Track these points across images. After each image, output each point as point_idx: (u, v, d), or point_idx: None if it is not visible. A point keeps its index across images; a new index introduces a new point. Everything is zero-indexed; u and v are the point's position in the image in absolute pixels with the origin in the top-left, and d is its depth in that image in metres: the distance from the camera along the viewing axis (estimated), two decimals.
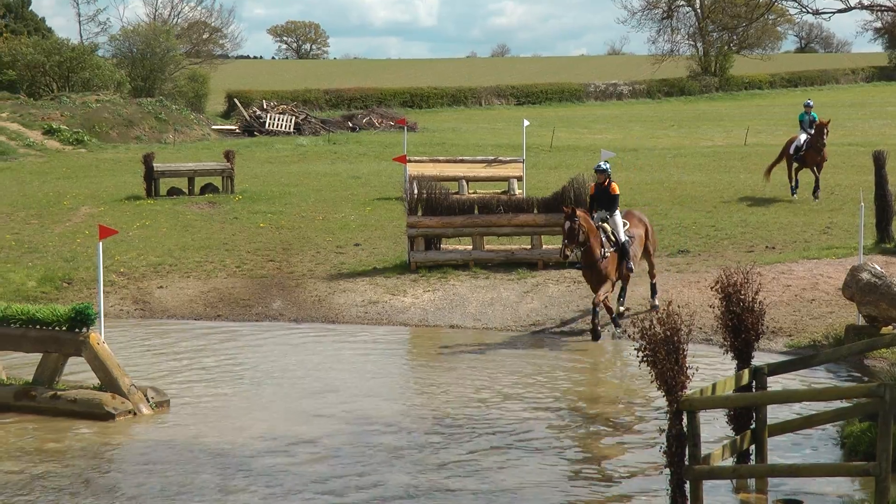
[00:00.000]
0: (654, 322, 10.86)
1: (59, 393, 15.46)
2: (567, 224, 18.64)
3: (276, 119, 61.31)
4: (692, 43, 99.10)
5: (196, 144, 52.93)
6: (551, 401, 15.73)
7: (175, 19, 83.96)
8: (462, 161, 32.67)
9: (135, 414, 15.16)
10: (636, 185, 32.96)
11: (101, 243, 16.45)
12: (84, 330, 15.53)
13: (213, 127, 61.24)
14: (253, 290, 22.93)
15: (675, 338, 10.80)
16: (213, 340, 20.13)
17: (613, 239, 19.38)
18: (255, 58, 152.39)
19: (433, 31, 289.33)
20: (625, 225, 19.77)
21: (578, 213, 18.83)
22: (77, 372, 16.42)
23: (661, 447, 11.06)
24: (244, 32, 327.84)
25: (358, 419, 14.89)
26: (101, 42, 78.49)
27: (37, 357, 16.11)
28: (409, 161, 29.01)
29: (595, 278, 19.15)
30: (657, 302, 20.06)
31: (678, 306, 12.01)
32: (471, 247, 23.51)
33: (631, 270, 19.64)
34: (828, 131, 29.52)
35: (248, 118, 61.87)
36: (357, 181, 35.74)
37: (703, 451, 11.08)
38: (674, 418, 10.85)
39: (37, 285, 23.17)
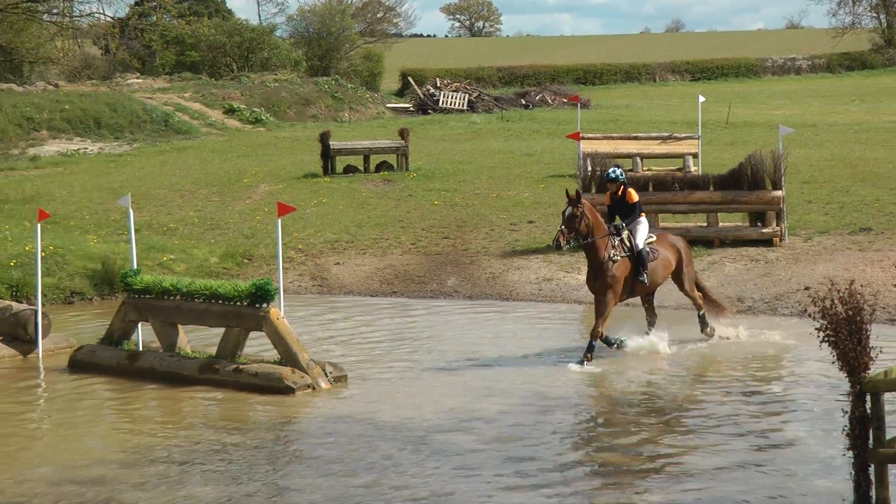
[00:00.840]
0: (836, 301, 10.61)
1: (241, 367, 15.83)
2: (568, 209, 16.44)
3: (450, 97, 61.67)
4: (875, 15, 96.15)
5: (371, 123, 53.59)
6: (727, 381, 15.49)
7: None
8: (636, 138, 32.39)
9: (314, 388, 15.43)
10: (815, 162, 32.20)
11: (279, 220, 16.79)
12: (264, 305, 15.87)
13: (388, 105, 61.93)
14: (428, 267, 23.13)
15: (858, 317, 10.53)
16: (389, 316, 20.37)
17: (629, 245, 16.92)
18: (428, 36, 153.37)
19: (606, 6, 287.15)
20: (650, 239, 17.30)
21: (584, 201, 16.66)
22: (256, 346, 16.82)
23: (843, 429, 10.80)
24: (417, 11, 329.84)
25: (533, 397, 14.88)
26: (278, 22, 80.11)
27: (219, 332, 16.55)
28: (583, 138, 28.85)
29: (599, 285, 16.67)
30: (710, 330, 17.66)
31: (860, 285, 11.68)
32: None
33: (644, 285, 17.01)
34: None
35: (421, 96, 62.38)
36: (530, 158, 35.70)
37: (889, 434, 10.79)
38: (857, 400, 10.58)
39: (219, 261, 23.78)
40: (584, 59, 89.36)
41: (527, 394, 15.04)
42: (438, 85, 63.72)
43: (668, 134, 33.12)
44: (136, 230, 18.66)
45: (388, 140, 35.91)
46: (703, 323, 17.77)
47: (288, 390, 15.26)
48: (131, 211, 18.14)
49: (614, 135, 33.99)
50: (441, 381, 15.83)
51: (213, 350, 16.53)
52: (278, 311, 15.94)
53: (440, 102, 61.13)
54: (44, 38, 59.25)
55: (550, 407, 14.41)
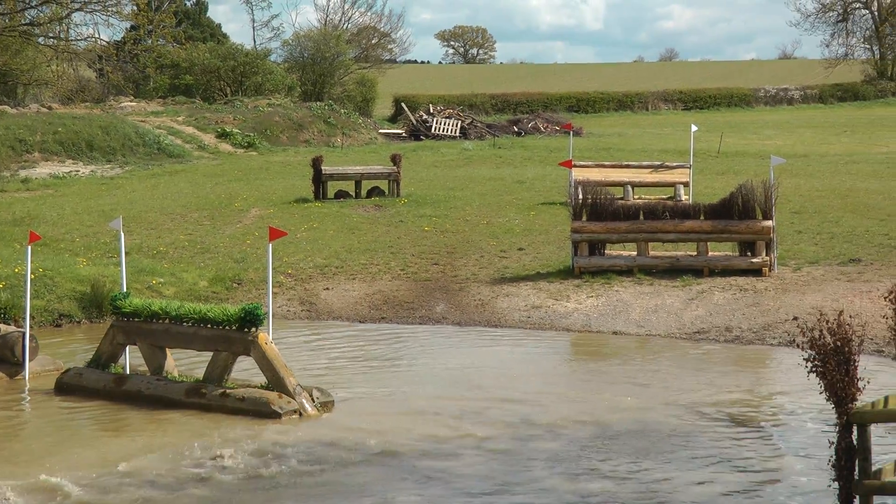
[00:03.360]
0: (824, 331, 10.63)
1: (228, 391, 15.79)
2: None
3: (443, 123, 61.77)
4: (868, 46, 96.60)
5: (363, 148, 53.65)
6: (714, 410, 15.48)
7: (345, 24, 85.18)
8: (628, 166, 32.48)
9: (300, 414, 15.40)
10: (806, 192, 32.28)
11: (270, 245, 16.78)
12: (253, 329, 15.85)
13: (381, 131, 62.01)
14: (417, 293, 23.12)
15: (846, 348, 10.55)
16: (378, 342, 20.35)
17: None
18: (422, 62, 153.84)
19: (599, 35, 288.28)
20: None
21: None
22: (244, 371, 16.77)
23: (829, 460, 10.80)
24: (412, 37, 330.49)
25: (520, 424, 14.86)
26: (273, 47, 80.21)
27: (206, 356, 16.51)
28: (575, 166, 28.91)
29: None
30: None
31: (849, 316, 11.70)
32: (635, 253, 23.31)
33: None
34: None
35: (414, 122, 62.49)
36: (522, 185, 35.76)
37: (875, 466, 10.79)
38: (843, 431, 10.59)
39: (208, 285, 23.74)
40: (577, 86, 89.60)
41: (514, 421, 15.02)
42: (431, 111, 63.85)
43: (659, 163, 33.20)
44: (126, 253, 18.62)
45: (380, 166, 35.96)
46: None
47: (275, 415, 15.23)
48: (122, 234, 18.11)
49: (606, 163, 34.09)
50: (429, 408, 15.79)
51: (200, 374, 16.49)
52: (267, 336, 15.91)
53: (433, 129, 61.23)
54: (39, 60, 59.49)
55: (538, 435, 14.39)
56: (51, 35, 58.81)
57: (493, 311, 21.96)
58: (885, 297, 12.26)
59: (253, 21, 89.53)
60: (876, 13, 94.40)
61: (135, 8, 60.10)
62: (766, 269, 22.51)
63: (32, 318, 19.63)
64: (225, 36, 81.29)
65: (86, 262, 24.52)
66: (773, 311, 20.57)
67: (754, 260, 22.62)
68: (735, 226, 22.74)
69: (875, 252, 23.78)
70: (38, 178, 40.52)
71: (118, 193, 36.37)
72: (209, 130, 52.55)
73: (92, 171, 43.07)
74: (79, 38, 61.07)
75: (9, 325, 19.43)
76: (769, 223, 22.60)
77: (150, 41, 66.93)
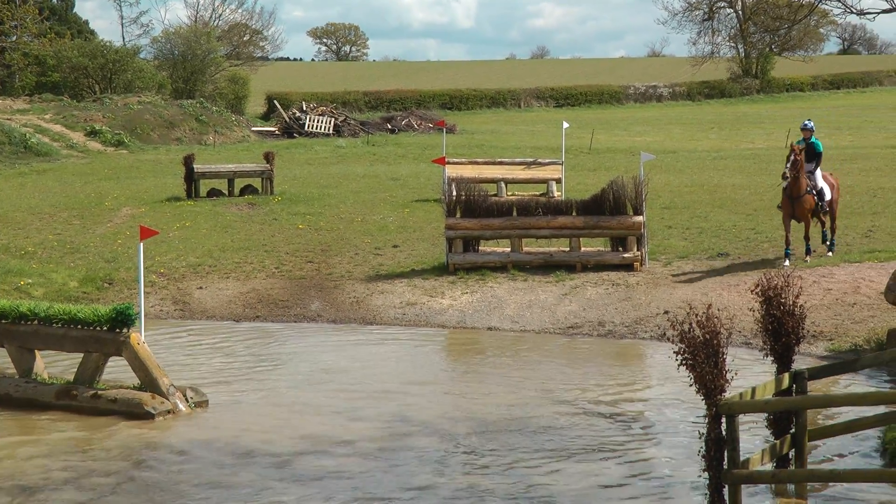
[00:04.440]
0: (694, 325, 10.82)
1: (99, 392, 15.56)
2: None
3: (316, 121, 61.51)
4: (733, 45, 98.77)
5: (236, 146, 53.18)
6: (588, 404, 15.68)
7: (216, 21, 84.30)
8: (501, 163, 32.67)
9: (174, 413, 15.24)
10: (676, 188, 32.85)
11: (141, 244, 16.54)
12: (125, 330, 15.63)
13: (253, 129, 61.51)
14: (292, 291, 23.01)
15: (715, 341, 10.76)
16: (252, 341, 20.22)
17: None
18: (294, 60, 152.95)
19: (471, 32, 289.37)
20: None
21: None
22: (116, 371, 16.53)
23: (699, 451, 11.01)
24: (284, 34, 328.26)
25: (396, 421, 14.89)
26: (142, 44, 79.03)
27: (77, 357, 16.24)
28: (448, 163, 29.00)
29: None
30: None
31: (717, 309, 11.94)
32: (509, 249, 23.49)
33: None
34: (799, 160, 22.14)
35: (287, 120, 62.10)
36: (396, 183, 35.79)
37: (743, 455, 11.03)
38: (713, 422, 10.81)
39: (78, 285, 23.34)
40: (450, 84, 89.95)
41: (389, 417, 15.05)
42: (304, 109, 63.51)
43: (532, 159, 33.46)
44: None
45: (253, 164, 35.67)
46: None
47: (147, 416, 15.05)
48: None
49: (479, 160, 34.25)
50: (303, 406, 15.75)
51: (71, 376, 16.21)
52: (139, 336, 15.71)
53: (306, 126, 60.93)
54: None
55: (413, 431, 14.43)
56: None
57: (369, 309, 21.95)
58: (752, 291, 12.55)
59: (121, 17, 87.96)
60: (740, 12, 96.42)
61: None
62: (638, 263, 22.85)
63: None
64: (93, 33, 79.91)
65: None
66: (645, 306, 20.90)
67: (626, 255, 22.94)
68: (607, 221, 23.04)
69: (742, 246, 24.29)
70: None
71: None
72: (78, 129, 51.61)
73: None
74: None
75: None
76: (640, 219, 22.95)
77: (14, 37, 65.47)
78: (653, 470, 12.94)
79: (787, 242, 22.40)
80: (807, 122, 23.20)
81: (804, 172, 22.26)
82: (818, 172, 22.75)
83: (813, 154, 22.69)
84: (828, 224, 23.32)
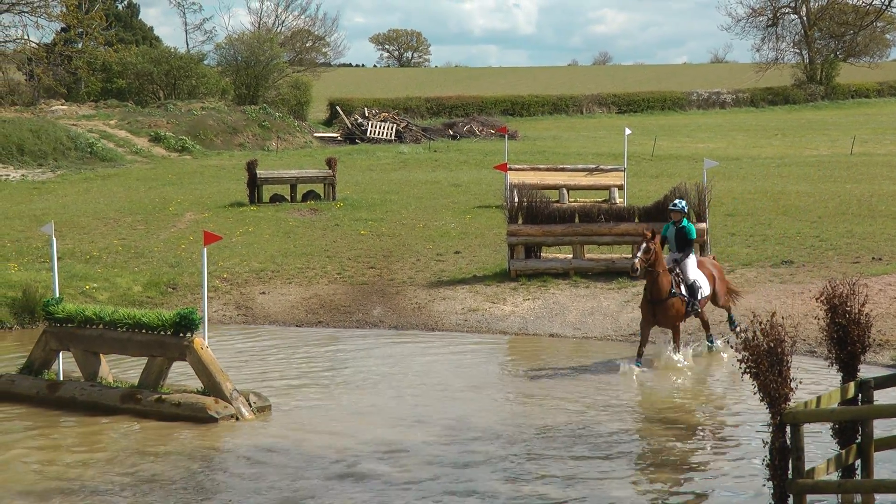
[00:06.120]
0: (758, 333, 10.73)
1: (163, 396, 15.67)
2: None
3: (378, 127, 61.69)
4: (797, 51, 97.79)
5: (298, 152, 53.48)
6: (651, 412, 15.59)
7: (279, 28, 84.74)
8: (563, 169, 32.64)
9: (237, 418, 15.31)
10: (739, 195, 32.61)
11: (205, 249, 16.64)
12: (188, 334, 15.74)
13: (316, 134, 61.82)
14: (354, 297, 23.07)
15: (779, 349, 10.65)
16: (314, 346, 20.29)
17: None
18: (357, 66, 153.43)
19: (532, 39, 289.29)
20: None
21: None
22: (180, 375, 16.65)
23: (763, 460, 10.91)
24: (346, 41, 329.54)
25: (458, 427, 14.87)
26: (206, 51, 79.67)
27: (141, 361, 16.37)
28: (510, 169, 29.00)
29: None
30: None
31: (782, 317, 11.83)
32: (571, 255, 23.42)
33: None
34: (653, 247, 17.86)
35: (349, 126, 62.35)
36: (458, 189, 35.80)
37: (807, 465, 10.91)
38: (777, 431, 10.70)
39: (142, 290, 23.54)
40: (511, 90, 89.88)
41: (451, 423, 15.03)
42: (366, 115, 63.73)
43: (594, 166, 33.39)
44: (58, 258, 18.40)
45: (316, 169, 35.85)
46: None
47: (211, 420, 15.14)
48: (54, 238, 17.88)
49: (541, 166, 34.23)
50: (365, 411, 15.77)
51: (135, 380, 16.35)
52: (202, 341, 15.81)
53: (368, 132, 61.13)
54: None
55: (476, 437, 14.41)
56: None
57: (430, 315, 21.96)
58: (816, 299, 12.41)
59: (185, 24, 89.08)
60: (805, 18, 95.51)
61: (64, 9, 59.45)
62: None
63: None
64: (157, 39, 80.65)
65: (17, 268, 24.23)
66: (708, 313, 20.71)
67: None
68: None
69: (806, 254, 24.06)
70: None
71: (50, 198, 35.99)
72: (142, 134, 52.13)
73: (23, 175, 42.56)
74: (7, 39, 60.39)
75: None
76: (703, 225, 22.79)
77: (80, 44, 66.22)
78: (717, 479, 12.82)
79: (640, 354, 17.99)
80: (677, 201, 19.01)
81: (663, 266, 17.97)
82: (691, 260, 18.60)
83: (685, 241, 18.64)
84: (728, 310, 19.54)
